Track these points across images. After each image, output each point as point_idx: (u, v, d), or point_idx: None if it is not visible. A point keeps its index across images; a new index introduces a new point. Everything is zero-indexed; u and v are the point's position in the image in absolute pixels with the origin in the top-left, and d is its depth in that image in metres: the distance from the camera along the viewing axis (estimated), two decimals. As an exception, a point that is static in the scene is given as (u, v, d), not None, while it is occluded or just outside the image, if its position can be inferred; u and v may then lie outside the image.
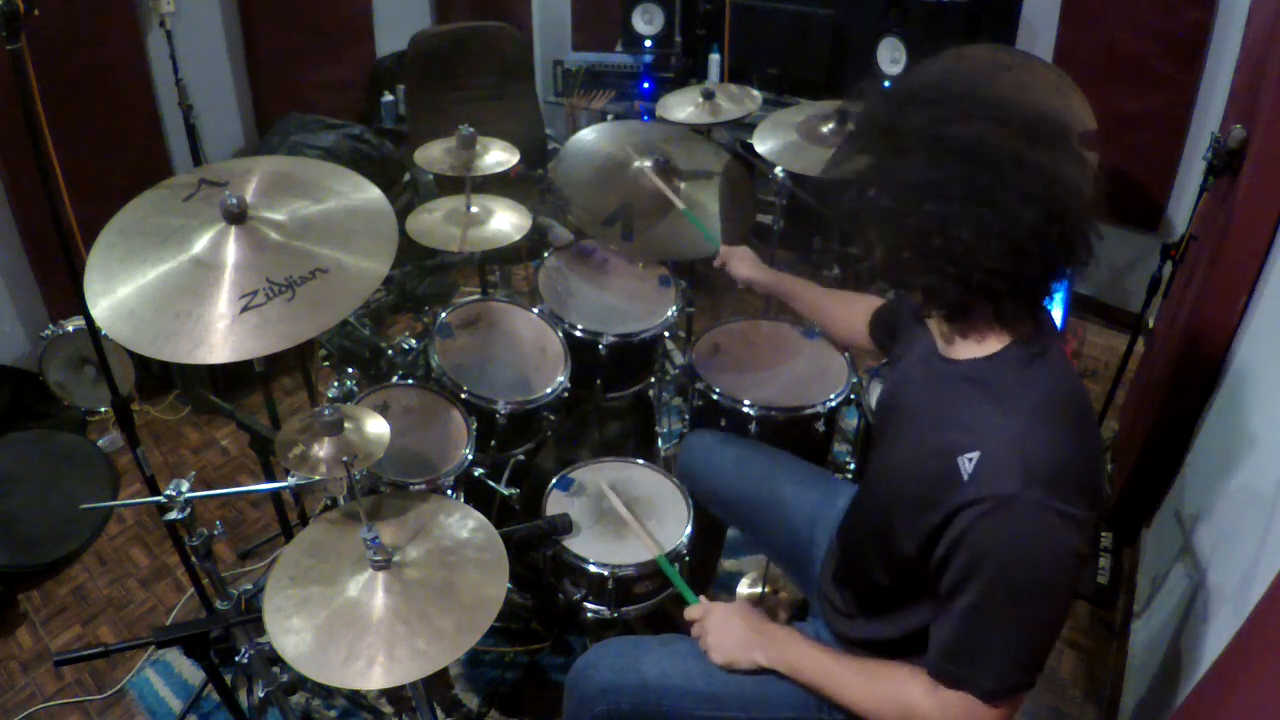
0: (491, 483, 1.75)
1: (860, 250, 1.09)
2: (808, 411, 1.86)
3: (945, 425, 1.02)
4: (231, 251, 1.28)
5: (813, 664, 1.17)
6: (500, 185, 2.10)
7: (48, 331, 2.48)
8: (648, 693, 1.25)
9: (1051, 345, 1.02)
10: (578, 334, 2.00)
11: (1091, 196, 0.94)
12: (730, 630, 1.24)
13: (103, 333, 1.24)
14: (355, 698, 1.85)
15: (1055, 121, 0.94)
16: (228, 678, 1.49)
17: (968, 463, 0.96)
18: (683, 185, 2.17)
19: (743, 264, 1.78)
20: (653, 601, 1.66)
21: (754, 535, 1.67)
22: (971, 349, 1.04)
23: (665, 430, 2.34)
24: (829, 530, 1.44)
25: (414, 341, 2.08)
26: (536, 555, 1.68)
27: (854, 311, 1.55)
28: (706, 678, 1.24)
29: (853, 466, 2.07)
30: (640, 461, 1.84)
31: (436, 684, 1.92)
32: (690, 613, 1.31)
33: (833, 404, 1.88)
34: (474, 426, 1.78)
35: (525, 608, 1.98)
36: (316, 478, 1.31)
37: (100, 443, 2.60)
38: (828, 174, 1.07)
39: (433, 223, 1.98)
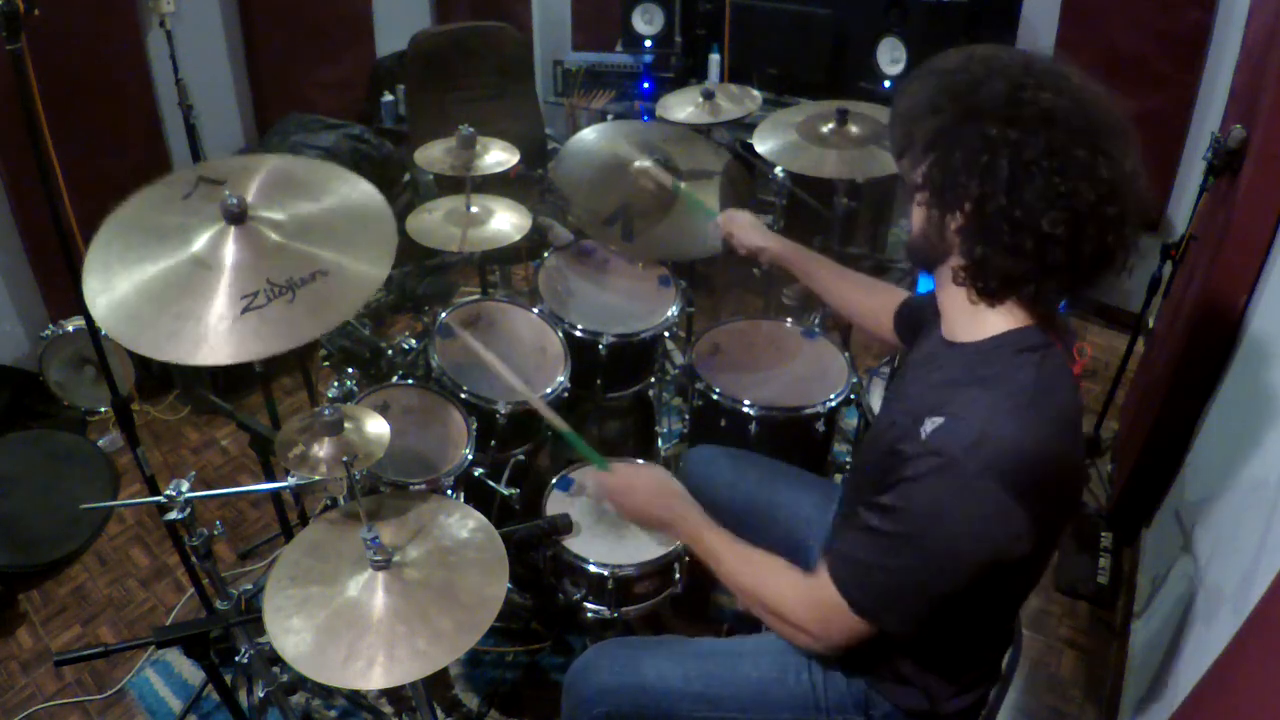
0: (491, 483, 1.75)
1: (907, 219, 1.09)
2: (808, 411, 1.86)
3: (924, 396, 1.04)
4: (231, 252, 1.28)
5: (710, 541, 1.24)
6: (500, 185, 2.10)
7: (48, 331, 2.48)
8: (647, 694, 1.25)
9: (1054, 346, 1.02)
10: (578, 334, 2.00)
11: (1141, 202, 0.97)
12: (636, 487, 1.33)
13: (103, 333, 1.24)
14: (355, 698, 1.85)
15: (1123, 119, 0.99)
16: (228, 678, 1.49)
17: (930, 424, 0.98)
18: (682, 185, 2.16)
19: (745, 231, 1.71)
20: (653, 601, 1.66)
21: (754, 540, 1.66)
22: (974, 330, 1.05)
23: (665, 430, 2.34)
24: (826, 532, 1.44)
25: (414, 341, 2.08)
26: (536, 555, 1.69)
27: (878, 299, 1.52)
28: (706, 680, 1.24)
29: (853, 466, 2.07)
30: (640, 462, 1.83)
31: (436, 684, 1.92)
32: (605, 479, 1.37)
33: (833, 404, 1.88)
34: (474, 426, 1.78)
35: (525, 608, 1.98)
36: (316, 478, 1.31)
37: (100, 443, 2.60)
38: (897, 126, 1.05)
39: (433, 223, 1.98)
